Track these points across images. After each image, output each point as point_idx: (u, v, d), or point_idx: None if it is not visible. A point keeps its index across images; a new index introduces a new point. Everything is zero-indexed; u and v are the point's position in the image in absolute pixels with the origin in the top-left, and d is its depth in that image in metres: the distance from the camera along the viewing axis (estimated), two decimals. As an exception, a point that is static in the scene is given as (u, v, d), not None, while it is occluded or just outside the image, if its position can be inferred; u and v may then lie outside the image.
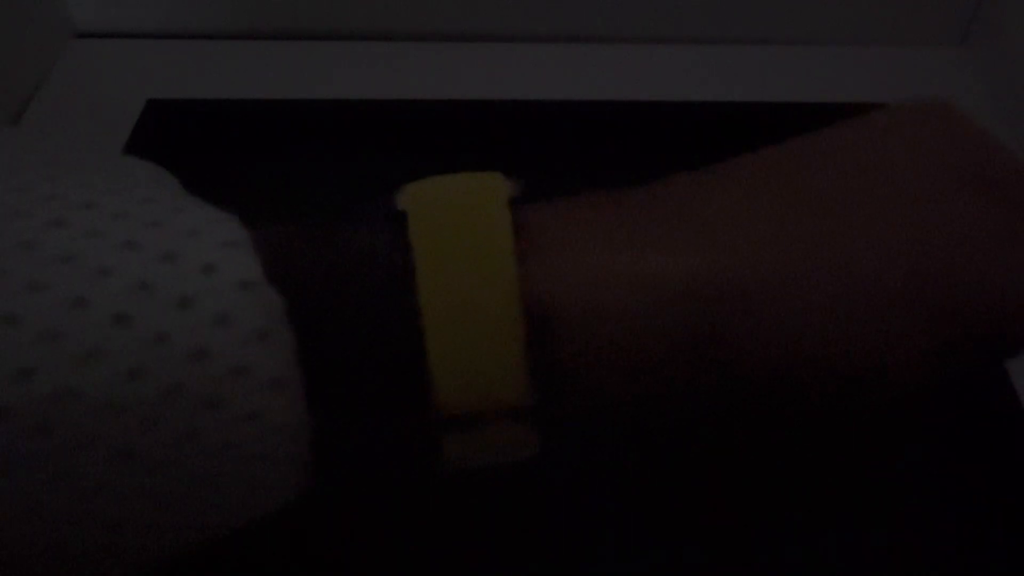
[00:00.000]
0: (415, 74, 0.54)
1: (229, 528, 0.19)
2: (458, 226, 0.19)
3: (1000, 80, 0.55)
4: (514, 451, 0.20)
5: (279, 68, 0.54)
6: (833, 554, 0.35)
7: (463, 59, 0.55)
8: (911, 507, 0.36)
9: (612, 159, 0.50)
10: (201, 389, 0.17)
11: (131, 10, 0.56)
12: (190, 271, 0.17)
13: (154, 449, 0.17)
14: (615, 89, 0.53)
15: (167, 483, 0.17)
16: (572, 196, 0.21)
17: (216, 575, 0.32)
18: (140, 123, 0.50)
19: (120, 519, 0.17)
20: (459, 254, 0.19)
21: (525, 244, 0.19)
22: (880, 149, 0.22)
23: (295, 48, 0.56)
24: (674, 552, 0.34)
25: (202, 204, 0.19)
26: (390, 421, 0.20)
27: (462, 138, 0.50)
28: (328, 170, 0.48)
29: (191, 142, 0.50)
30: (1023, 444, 0.38)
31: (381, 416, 0.20)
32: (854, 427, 0.36)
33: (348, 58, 0.55)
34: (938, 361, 0.21)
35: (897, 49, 0.57)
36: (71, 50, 0.56)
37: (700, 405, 0.21)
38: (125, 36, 0.56)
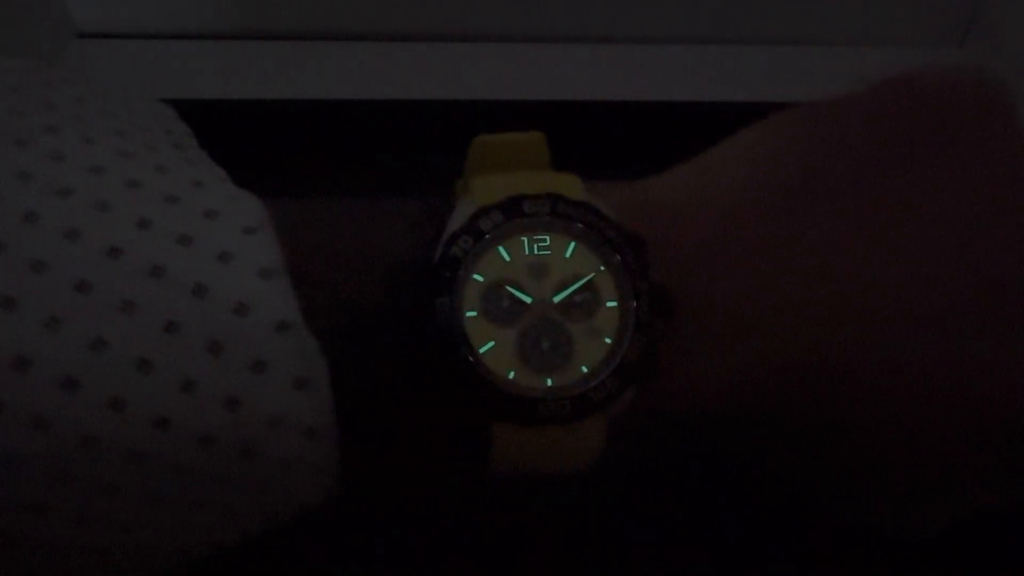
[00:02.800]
0: (415, 74, 0.54)
1: (244, 535, 0.18)
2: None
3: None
4: (574, 455, 0.18)
5: (279, 68, 0.54)
6: (832, 554, 0.34)
7: (463, 59, 0.55)
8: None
9: (612, 159, 0.50)
10: (217, 386, 0.16)
11: (132, 10, 0.56)
12: (206, 258, 0.16)
13: (168, 451, 0.16)
14: (615, 89, 0.53)
15: (180, 487, 0.16)
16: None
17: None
18: (141, 123, 0.50)
19: (129, 523, 0.16)
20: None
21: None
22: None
23: (295, 48, 0.56)
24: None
25: (222, 177, 0.18)
26: (431, 411, 0.18)
27: (462, 138, 0.50)
28: (328, 170, 0.48)
29: (191, 142, 0.50)
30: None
31: (418, 408, 0.18)
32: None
33: (348, 58, 0.55)
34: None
35: (897, 49, 0.57)
36: (72, 51, 0.56)
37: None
38: (126, 37, 0.56)
